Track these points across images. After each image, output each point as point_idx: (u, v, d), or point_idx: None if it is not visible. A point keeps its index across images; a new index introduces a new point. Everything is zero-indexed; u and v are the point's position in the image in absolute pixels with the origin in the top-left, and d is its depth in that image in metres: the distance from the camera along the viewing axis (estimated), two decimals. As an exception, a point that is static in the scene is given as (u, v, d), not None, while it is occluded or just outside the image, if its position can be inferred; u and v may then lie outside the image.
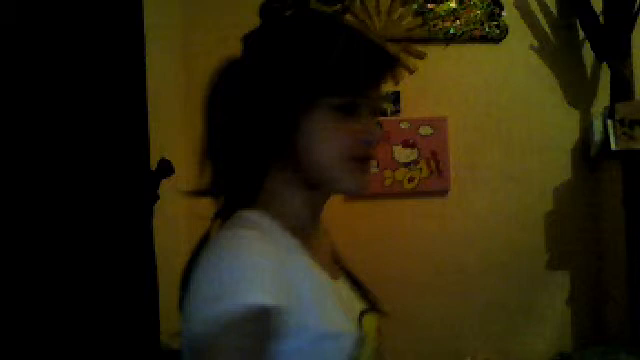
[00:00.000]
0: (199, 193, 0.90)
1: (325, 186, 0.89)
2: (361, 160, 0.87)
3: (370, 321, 0.92)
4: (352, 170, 0.86)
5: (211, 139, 0.89)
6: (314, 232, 0.93)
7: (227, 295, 0.71)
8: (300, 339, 0.78)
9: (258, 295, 0.72)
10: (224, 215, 0.89)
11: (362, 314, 0.90)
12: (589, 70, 2.76)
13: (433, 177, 2.66)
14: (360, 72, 0.83)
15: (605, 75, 2.65)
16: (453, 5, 2.69)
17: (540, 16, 2.74)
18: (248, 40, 0.91)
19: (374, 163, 2.63)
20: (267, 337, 0.75)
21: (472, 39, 2.70)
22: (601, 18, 2.57)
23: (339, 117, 0.84)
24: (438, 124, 2.67)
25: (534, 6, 2.73)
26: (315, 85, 0.82)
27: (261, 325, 0.73)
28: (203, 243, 0.84)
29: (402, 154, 2.65)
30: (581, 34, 2.72)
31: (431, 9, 2.68)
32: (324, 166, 0.85)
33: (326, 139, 0.84)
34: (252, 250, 0.76)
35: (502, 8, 2.70)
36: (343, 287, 0.92)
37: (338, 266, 0.97)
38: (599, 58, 2.69)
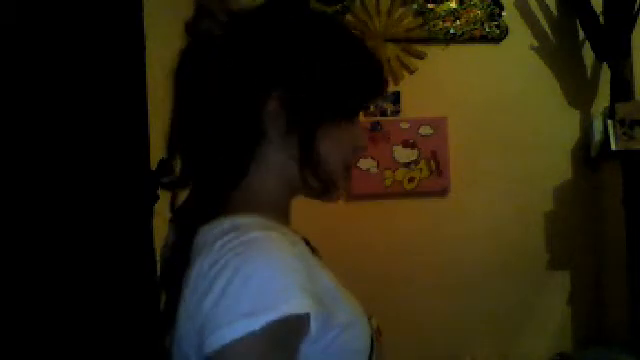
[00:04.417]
0: (168, 185, 0.83)
1: (315, 190, 0.83)
2: (350, 167, 0.86)
3: None
4: (346, 178, 0.85)
5: (184, 124, 0.82)
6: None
7: (269, 308, 0.66)
8: (327, 336, 0.74)
9: (300, 303, 0.68)
10: (198, 216, 0.78)
11: None
12: (589, 70, 2.76)
13: (433, 177, 2.66)
14: (365, 90, 0.83)
15: (605, 75, 2.65)
16: (453, 5, 2.69)
17: (540, 16, 2.74)
18: (231, 27, 0.84)
19: (374, 163, 2.63)
20: (300, 342, 0.72)
21: (472, 39, 2.69)
22: (601, 18, 2.56)
23: (344, 124, 0.83)
24: (438, 124, 2.66)
25: (534, 6, 2.73)
26: (329, 100, 0.80)
27: (300, 332, 0.70)
28: (186, 246, 0.76)
29: (402, 154, 2.65)
30: (581, 34, 2.72)
31: (431, 9, 2.68)
32: (330, 174, 0.82)
33: (333, 147, 0.82)
34: (282, 255, 0.71)
35: (502, 8, 2.70)
36: None
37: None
38: (599, 58, 2.69)
